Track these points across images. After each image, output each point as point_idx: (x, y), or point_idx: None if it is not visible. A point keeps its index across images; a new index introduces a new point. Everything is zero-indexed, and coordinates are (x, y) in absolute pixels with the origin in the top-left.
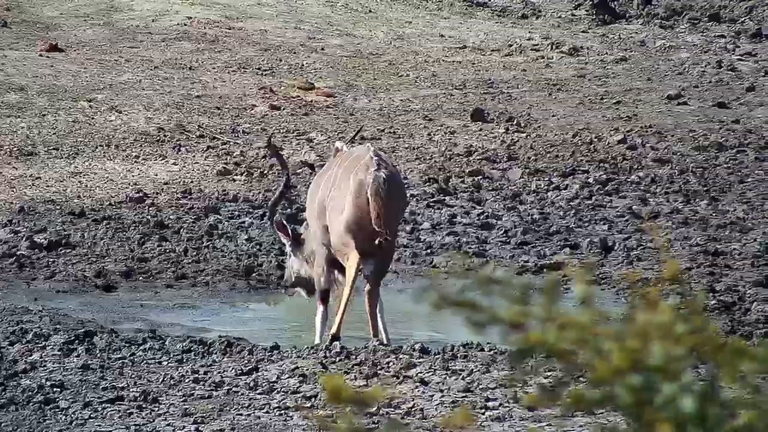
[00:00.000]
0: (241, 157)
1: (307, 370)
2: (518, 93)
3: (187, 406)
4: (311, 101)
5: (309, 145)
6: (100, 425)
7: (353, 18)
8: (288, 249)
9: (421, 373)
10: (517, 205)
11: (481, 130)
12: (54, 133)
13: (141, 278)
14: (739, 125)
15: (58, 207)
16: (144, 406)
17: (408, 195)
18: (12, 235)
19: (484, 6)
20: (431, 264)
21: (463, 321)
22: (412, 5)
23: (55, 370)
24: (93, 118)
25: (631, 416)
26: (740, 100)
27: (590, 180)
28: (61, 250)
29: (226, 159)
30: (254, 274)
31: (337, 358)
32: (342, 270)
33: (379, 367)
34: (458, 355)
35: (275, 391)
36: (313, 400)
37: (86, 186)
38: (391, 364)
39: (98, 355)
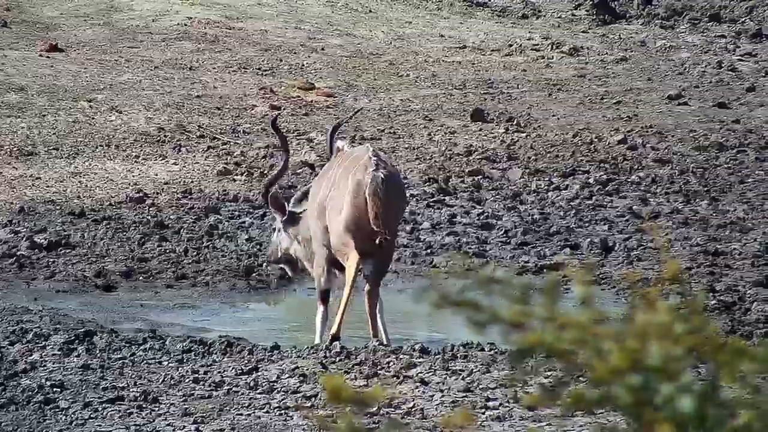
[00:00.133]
0: (242, 157)
1: (307, 370)
2: (518, 93)
3: (187, 406)
4: (311, 101)
5: (309, 145)
6: (100, 425)
7: (353, 18)
8: (278, 225)
9: (421, 373)
10: (517, 205)
11: (481, 130)
12: (54, 133)
13: (141, 278)
14: (740, 125)
15: (58, 207)
16: (144, 406)
17: (408, 195)
18: (12, 235)
19: (484, 6)
20: (431, 264)
21: (463, 321)
22: (412, 5)
23: (55, 370)
24: (93, 118)
25: (631, 416)
26: (740, 101)
27: (590, 180)
28: (61, 250)
29: (227, 159)
30: (254, 274)
31: (337, 358)
32: (342, 270)
33: (379, 367)
34: (458, 355)
35: (275, 391)
36: (313, 400)
37: (86, 186)
38: (391, 364)
39: (98, 355)
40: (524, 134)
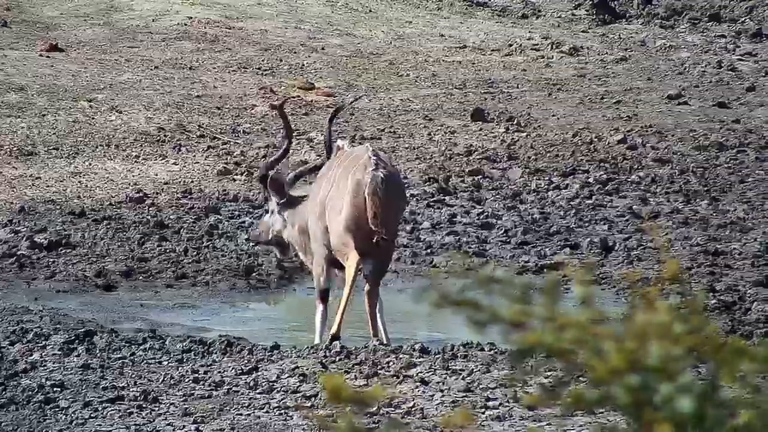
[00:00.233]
0: (242, 157)
1: (307, 369)
2: (518, 93)
3: (187, 406)
4: (311, 101)
5: (309, 145)
6: (100, 425)
7: (353, 18)
8: (273, 207)
9: (421, 372)
10: (517, 204)
11: (481, 129)
12: (54, 133)
13: (141, 278)
14: (740, 125)
15: (58, 207)
16: (144, 405)
17: (408, 195)
18: (12, 235)
19: (484, 6)
20: (431, 264)
21: (463, 320)
22: (412, 5)
23: (55, 370)
24: (93, 118)
25: (631, 416)
26: (740, 100)
27: (590, 180)
28: (61, 250)
29: (227, 159)
30: (254, 274)
31: (337, 358)
32: (342, 269)
33: (379, 366)
34: (458, 354)
35: (275, 391)
36: (313, 399)
37: (86, 186)
38: (391, 364)
39: (98, 355)
40: (524, 134)
